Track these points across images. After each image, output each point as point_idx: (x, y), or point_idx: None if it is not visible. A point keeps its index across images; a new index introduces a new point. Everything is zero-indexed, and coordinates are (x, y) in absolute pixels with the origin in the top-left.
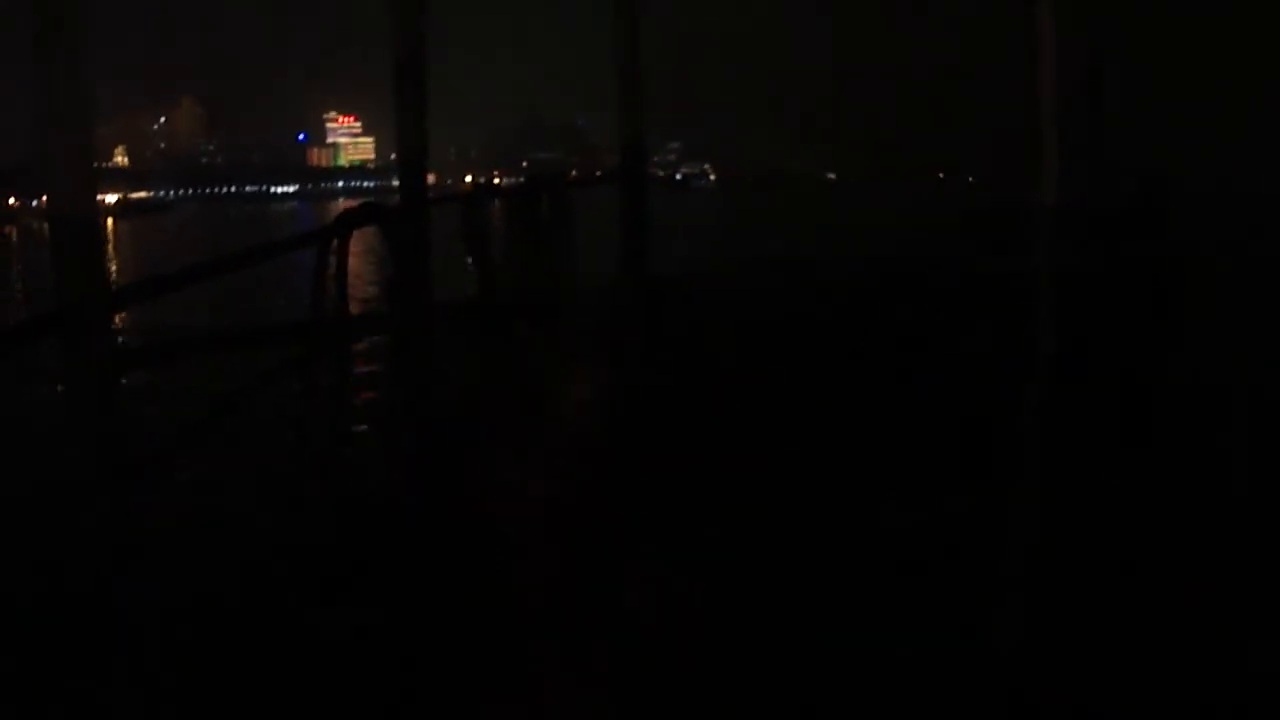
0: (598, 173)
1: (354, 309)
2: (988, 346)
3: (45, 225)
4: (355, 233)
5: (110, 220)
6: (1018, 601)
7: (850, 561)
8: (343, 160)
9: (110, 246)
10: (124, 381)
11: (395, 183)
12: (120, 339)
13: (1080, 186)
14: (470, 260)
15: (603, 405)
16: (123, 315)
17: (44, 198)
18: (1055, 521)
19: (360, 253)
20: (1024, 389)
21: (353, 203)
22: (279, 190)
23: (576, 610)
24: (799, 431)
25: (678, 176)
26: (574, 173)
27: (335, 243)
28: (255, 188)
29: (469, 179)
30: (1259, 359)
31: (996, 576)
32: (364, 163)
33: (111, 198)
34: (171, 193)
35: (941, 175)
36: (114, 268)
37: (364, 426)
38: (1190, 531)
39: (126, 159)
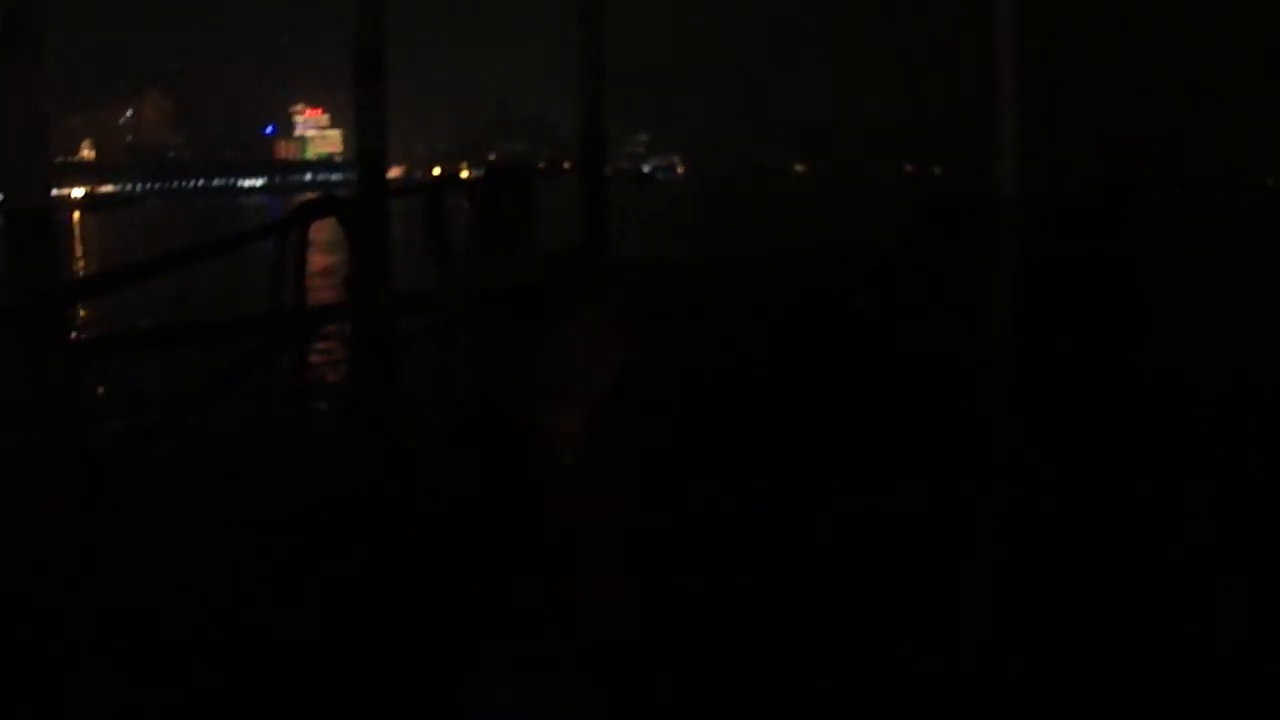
0: (566, 164)
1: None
2: (912, 341)
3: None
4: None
5: (76, 214)
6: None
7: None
8: (310, 153)
9: (75, 241)
10: (80, 376)
11: None
12: (78, 333)
13: (1040, 178)
14: (431, 251)
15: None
16: (83, 310)
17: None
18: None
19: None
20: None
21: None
22: (247, 184)
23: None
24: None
25: (645, 169)
26: (543, 164)
27: (293, 235)
28: (223, 181)
29: (436, 171)
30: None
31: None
32: (331, 155)
33: (78, 192)
34: (139, 186)
35: (909, 167)
36: (78, 262)
37: (319, 417)
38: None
39: (93, 152)
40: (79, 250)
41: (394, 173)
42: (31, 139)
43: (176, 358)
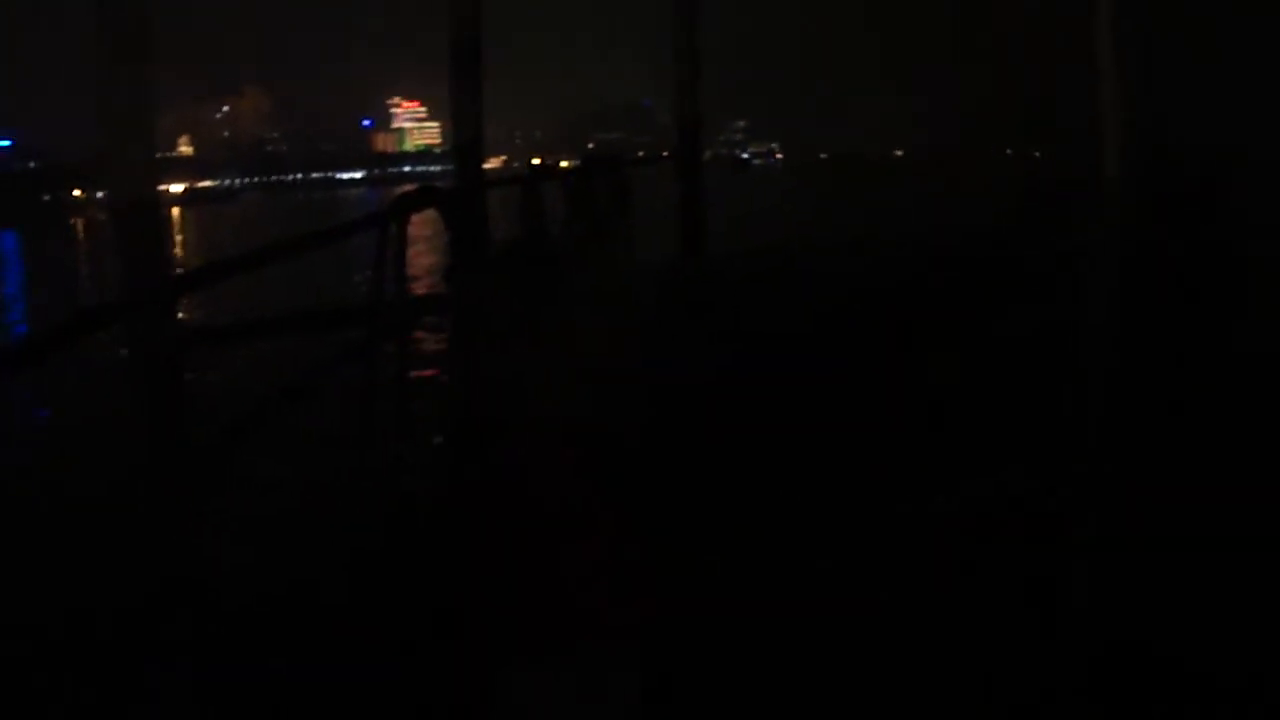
0: (664, 153)
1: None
2: (1013, 327)
3: (110, 216)
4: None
5: (176, 210)
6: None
7: None
8: (408, 145)
9: (176, 235)
10: (187, 365)
11: None
12: (184, 323)
13: (1141, 162)
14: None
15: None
16: (186, 301)
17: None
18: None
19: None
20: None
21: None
22: (345, 176)
23: None
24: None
25: (744, 156)
26: (640, 153)
27: (393, 227)
28: (321, 174)
29: (536, 161)
30: None
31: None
32: (430, 147)
33: (177, 187)
34: (236, 181)
35: (1009, 151)
36: (179, 254)
37: (421, 407)
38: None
39: (191, 148)
40: (178, 245)
41: (493, 163)
42: (138, 133)
43: (280, 348)
